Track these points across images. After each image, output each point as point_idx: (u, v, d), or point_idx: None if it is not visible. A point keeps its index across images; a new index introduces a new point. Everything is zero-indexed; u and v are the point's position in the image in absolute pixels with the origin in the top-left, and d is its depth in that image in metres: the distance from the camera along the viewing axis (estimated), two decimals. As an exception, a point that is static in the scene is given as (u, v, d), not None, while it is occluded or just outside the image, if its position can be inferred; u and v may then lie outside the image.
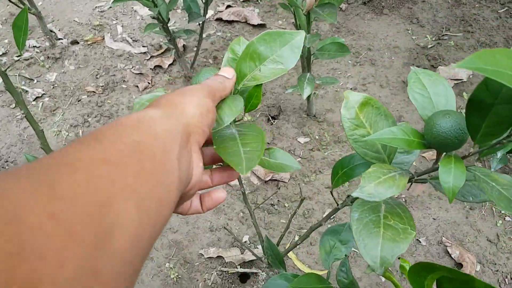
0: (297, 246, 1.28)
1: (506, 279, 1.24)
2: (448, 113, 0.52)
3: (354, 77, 1.68)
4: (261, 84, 0.60)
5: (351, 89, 1.65)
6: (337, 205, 0.77)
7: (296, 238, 1.32)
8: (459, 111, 1.03)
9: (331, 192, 0.73)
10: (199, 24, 1.45)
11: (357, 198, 0.61)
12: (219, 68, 0.63)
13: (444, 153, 0.55)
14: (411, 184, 0.63)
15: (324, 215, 1.35)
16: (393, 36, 1.83)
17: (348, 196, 0.75)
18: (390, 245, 0.55)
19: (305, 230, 1.33)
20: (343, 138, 1.53)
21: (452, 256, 1.26)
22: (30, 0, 1.58)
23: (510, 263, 1.26)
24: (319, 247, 0.84)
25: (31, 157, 0.88)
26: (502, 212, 1.36)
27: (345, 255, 0.75)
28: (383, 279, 1.24)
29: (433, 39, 1.82)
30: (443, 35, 1.82)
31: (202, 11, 1.40)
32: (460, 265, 1.24)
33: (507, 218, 1.35)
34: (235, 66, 0.59)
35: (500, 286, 1.23)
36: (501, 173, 0.56)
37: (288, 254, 1.28)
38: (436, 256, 1.27)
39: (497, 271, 1.25)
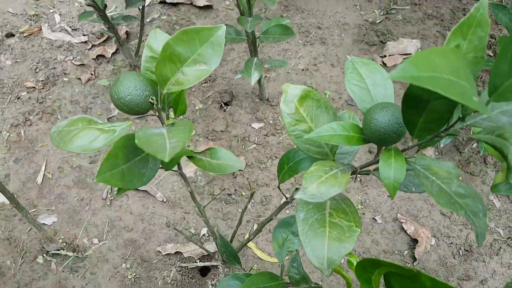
0: (257, 235, 1.27)
1: (460, 251, 1.27)
2: (385, 106, 0.50)
3: (305, 57, 1.65)
4: (184, 90, 0.57)
5: (302, 69, 1.62)
6: (286, 198, 0.75)
7: (255, 227, 1.31)
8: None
9: (279, 187, 0.71)
10: (140, 8, 1.38)
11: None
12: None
13: (384, 147, 0.53)
14: (356, 176, 0.61)
15: (279, 205, 1.34)
16: (342, 12, 1.80)
17: (297, 189, 0.73)
18: (336, 245, 0.54)
19: (264, 218, 1.31)
20: (297, 120, 1.50)
21: (408, 232, 1.28)
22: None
23: (463, 235, 1.30)
24: (272, 241, 0.82)
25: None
26: (454, 184, 1.39)
27: (296, 250, 0.74)
28: (343, 260, 1.24)
29: (381, 13, 1.81)
30: (391, 9, 1.81)
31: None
32: (415, 241, 1.27)
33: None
34: (155, 69, 0.55)
35: (454, 257, 1.26)
36: (448, 150, 0.54)
37: (248, 244, 1.27)
38: (392, 233, 1.28)
39: (451, 243, 1.28)
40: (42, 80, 1.56)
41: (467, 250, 1.28)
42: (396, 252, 1.26)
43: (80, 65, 1.60)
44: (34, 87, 1.54)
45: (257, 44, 1.16)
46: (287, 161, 0.69)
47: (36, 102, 1.51)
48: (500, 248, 1.28)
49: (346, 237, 0.54)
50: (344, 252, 0.53)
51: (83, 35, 1.69)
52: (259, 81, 1.42)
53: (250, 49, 1.23)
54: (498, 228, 1.31)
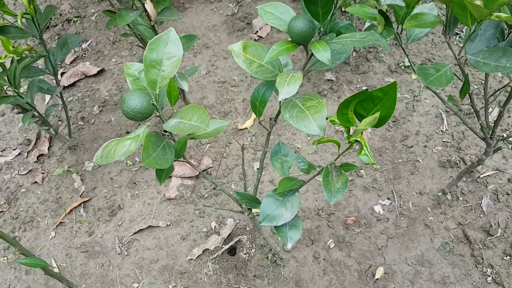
0: (261, 180, 1.50)
1: (390, 124, 1.63)
2: (296, 17, 0.79)
3: (202, 64, 1.93)
4: (172, 78, 0.80)
5: (205, 73, 1.91)
6: (267, 130, 1.01)
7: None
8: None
9: (260, 122, 0.97)
10: (57, 95, 1.55)
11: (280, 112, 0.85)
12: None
13: (309, 44, 0.82)
14: (304, 75, 0.89)
15: (256, 167, 1.60)
16: (206, 19, 2.12)
17: (270, 119, 1.00)
18: (317, 115, 0.80)
19: (249, 188, 1.56)
20: (227, 110, 1.78)
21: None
22: None
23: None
24: (274, 167, 1.07)
25: (24, 260, 0.95)
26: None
27: (295, 152, 1.01)
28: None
29: (234, 5, 2.16)
30: (240, -2, 2.17)
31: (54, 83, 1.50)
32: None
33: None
34: (145, 79, 0.78)
35: (389, 130, 1.62)
36: (341, 67, 0.84)
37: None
38: (339, 134, 1.61)
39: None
40: (4, 202, 1.65)
41: (394, 121, 1.64)
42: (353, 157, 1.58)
43: (28, 172, 1.72)
44: (1, 211, 1.63)
45: (171, 63, 1.41)
46: (256, 98, 0.96)
47: (12, 220, 1.60)
48: (413, 106, 1.67)
49: (320, 108, 0.81)
50: (324, 116, 0.81)
51: (13, 150, 1.81)
52: (183, 96, 1.67)
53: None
54: (407, 94, 1.70)
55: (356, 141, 0.85)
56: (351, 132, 0.89)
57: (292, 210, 0.98)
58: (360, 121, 0.81)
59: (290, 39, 0.82)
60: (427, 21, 0.72)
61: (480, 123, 0.92)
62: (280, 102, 0.82)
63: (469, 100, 0.87)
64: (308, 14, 0.79)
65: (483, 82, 1.68)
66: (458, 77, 0.87)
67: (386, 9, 0.97)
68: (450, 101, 0.84)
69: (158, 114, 0.84)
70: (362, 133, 0.81)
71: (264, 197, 0.99)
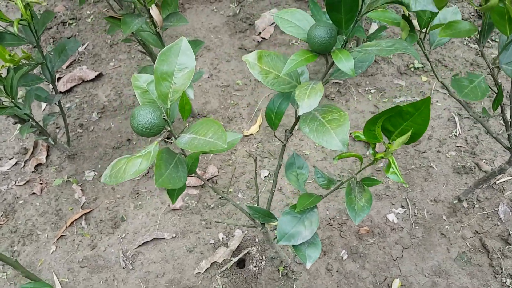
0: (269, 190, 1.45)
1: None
2: (317, 24, 0.73)
3: (205, 66, 1.87)
4: (184, 91, 0.74)
5: (208, 77, 1.84)
6: (282, 142, 0.96)
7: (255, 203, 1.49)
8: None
9: (275, 135, 0.91)
10: (56, 103, 1.49)
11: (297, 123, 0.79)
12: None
13: (330, 52, 0.76)
14: (325, 84, 0.84)
15: (263, 175, 1.55)
16: (206, 20, 2.05)
17: (286, 130, 0.94)
18: (339, 130, 0.75)
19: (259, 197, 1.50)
20: (231, 116, 1.72)
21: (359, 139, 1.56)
22: None
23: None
24: (289, 181, 1.02)
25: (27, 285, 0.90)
26: (394, 100, 1.70)
27: (314, 166, 0.95)
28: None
29: (235, 5, 2.10)
30: (241, -2, 2.10)
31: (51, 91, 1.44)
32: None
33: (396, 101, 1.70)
34: (156, 92, 0.72)
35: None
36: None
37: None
38: (351, 144, 1.56)
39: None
40: (2, 215, 1.59)
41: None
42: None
43: (25, 183, 1.66)
44: (0, 224, 1.57)
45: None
46: (271, 111, 0.90)
47: (10, 234, 1.54)
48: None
49: (342, 122, 0.76)
50: (347, 130, 0.75)
51: (10, 159, 1.74)
52: (186, 102, 1.61)
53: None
54: (418, 97, 1.65)
55: (382, 156, 0.80)
56: (376, 148, 0.83)
57: (311, 228, 0.93)
58: (388, 137, 0.75)
59: (298, 45, 0.76)
60: (462, 30, 0.67)
61: (508, 134, 0.87)
62: (296, 114, 0.76)
63: (500, 111, 0.82)
64: (325, 21, 0.73)
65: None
66: (492, 89, 0.82)
67: (408, 14, 0.91)
68: (484, 113, 0.79)
69: (169, 129, 0.78)
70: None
71: (281, 214, 0.93)
